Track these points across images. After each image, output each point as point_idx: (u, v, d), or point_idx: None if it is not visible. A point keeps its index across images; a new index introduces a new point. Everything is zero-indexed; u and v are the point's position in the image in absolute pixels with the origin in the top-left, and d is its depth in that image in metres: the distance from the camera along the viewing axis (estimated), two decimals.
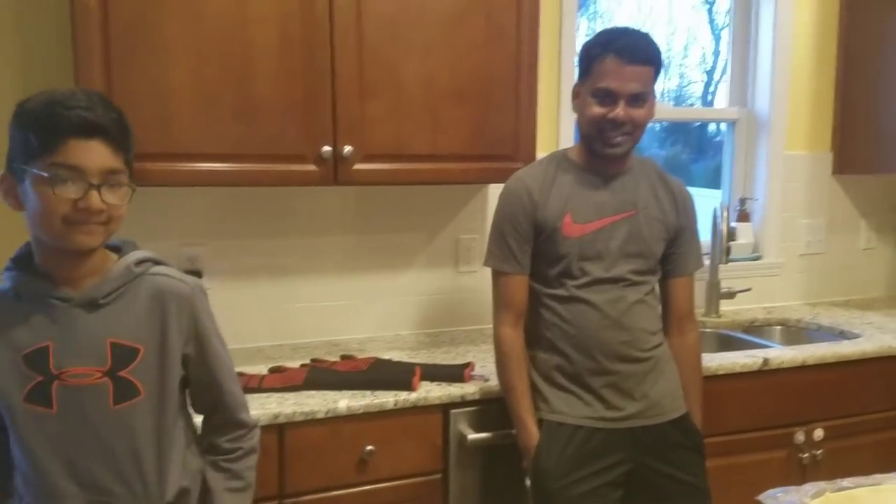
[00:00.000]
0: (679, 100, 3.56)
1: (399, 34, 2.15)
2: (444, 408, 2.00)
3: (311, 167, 2.11)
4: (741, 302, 2.99)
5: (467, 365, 2.10)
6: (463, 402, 2.01)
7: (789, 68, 3.02)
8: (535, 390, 1.90)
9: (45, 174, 1.21)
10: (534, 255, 1.91)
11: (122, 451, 1.31)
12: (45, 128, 1.22)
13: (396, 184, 2.29)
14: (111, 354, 1.29)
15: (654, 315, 1.94)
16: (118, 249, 1.38)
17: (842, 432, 2.43)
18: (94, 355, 1.29)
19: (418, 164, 2.22)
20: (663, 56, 1.87)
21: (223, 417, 1.46)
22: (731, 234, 3.08)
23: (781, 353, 2.38)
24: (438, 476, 2.02)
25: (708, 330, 2.86)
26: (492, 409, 2.01)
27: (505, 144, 2.30)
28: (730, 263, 3.00)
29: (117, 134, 1.27)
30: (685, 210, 1.97)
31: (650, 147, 4.00)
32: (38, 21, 2.16)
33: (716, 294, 2.92)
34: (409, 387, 1.97)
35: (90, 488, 1.30)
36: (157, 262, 1.40)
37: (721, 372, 2.27)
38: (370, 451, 1.92)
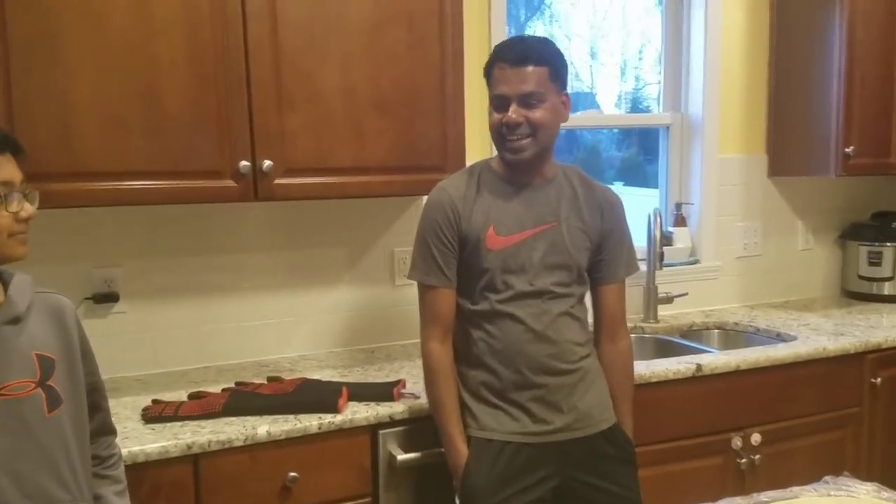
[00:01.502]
0: (636, 102, 3.55)
1: (316, 43, 2.09)
2: (373, 428, 1.94)
3: (230, 183, 2.04)
4: (679, 306, 2.98)
5: (397, 382, 2.04)
6: (392, 422, 1.95)
7: (721, 71, 3.03)
8: (464, 407, 1.85)
9: None
10: (458, 269, 1.86)
11: (59, 458, 1.35)
12: None
13: (319, 198, 2.22)
14: (39, 365, 1.34)
15: (581, 326, 1.90)
16: None
17: (779, 436, 2.42)
18: (25, 368, 1.32)
19: (342, 178, 2.16)
20: (562, 57, 1.85)
21: (101, 422, 1.52)
22: (668, 239, 3.07)
23: (715, 359, 2.36)
24: (367, 500, 1.95)
25: (646, 336, 2.84)
26: (422, 428, 1.95)
27: (432, 155, 2.25)
28: (668, 268, 2.99)
29: (18, 146, 1.36)
30: (610, 217, 1.93)
31: (608, 149, 4.01)
32: None
33: (653, 299, 2.90)
34: (334, 409, 1.90)
35: (36, 497, 1.31)
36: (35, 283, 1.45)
37: (654, 379, 2.25)
38: (293, 477, 1.85)
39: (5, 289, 1.35)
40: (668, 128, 3.12)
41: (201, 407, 1.92)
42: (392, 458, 1.93)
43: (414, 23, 2.20)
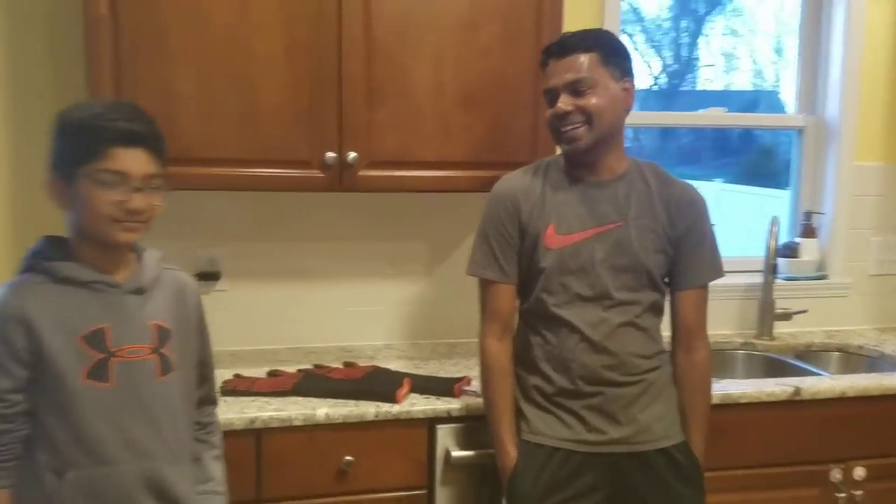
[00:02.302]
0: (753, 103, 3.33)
1: (409, 39, 2.12)
2: (430, 422, 1.95)
3: (317, 173, 2.10)
4: (800, 324, 2.76)
5: (461, 379, 2.04)
6: (449, 418, 1.95)
7: (863, 71, 2.77)
8: (518, 410, 1.82)
9: (95, 178, 1.37)
10: (518, 266, 1.82)
11: (164, 420, 1.45)
12: (93, 137, 1.38)
13: (402, 190, 2.25)
14: (156, 334, 1.46)
15: (649, 338, 1.80)
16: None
17: (888, 472, 2.20)
18: (143, 335, 1.44)
19: (425, 172, 2.17)
20: (616, 43, 1.80)
21: (206, 392, 1.64)
22: (794, 250, 2.86)
23: (818, 383, 2.17)
24: (423, 492, 1.96)
25: (756, 353, 2.66)
26: (480, 427, 1.93)
27: (521, 150, 2.21)
28: (791, 282, 2.79)
29: (155, 142, 1.44)
30: (688, 216, 1.82)
31: (787, 151, 3.79)
32: (46, 29, 2.25)
33: (769, 315, 2.71)
34: (392, 399, 1.93)
35: (139, 454, 1.42)
36: (164, 259, 1.58)
37: (744, 400, 2.10)
38: (349, 461, 1.89)
39: (136, 261, 1.50)
40: (800, 131, 2.90)
41: (273, 385, 2.01)
42: (447, 453, 1.93)
43: (510, 18, 2.17)
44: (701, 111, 2.91)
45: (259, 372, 2.14)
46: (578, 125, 1.73)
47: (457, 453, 1.92)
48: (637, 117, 2.71)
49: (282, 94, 2.05)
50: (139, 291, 1.47)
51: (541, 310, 1.79)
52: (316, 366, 2.20)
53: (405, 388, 1.98)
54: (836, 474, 2.16)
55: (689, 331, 1.86)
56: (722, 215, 2.55)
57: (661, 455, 1.76)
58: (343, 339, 2.49)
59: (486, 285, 1.84)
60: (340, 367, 2.18)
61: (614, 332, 1.76)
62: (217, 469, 1.63)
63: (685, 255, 1.83)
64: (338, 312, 2.50)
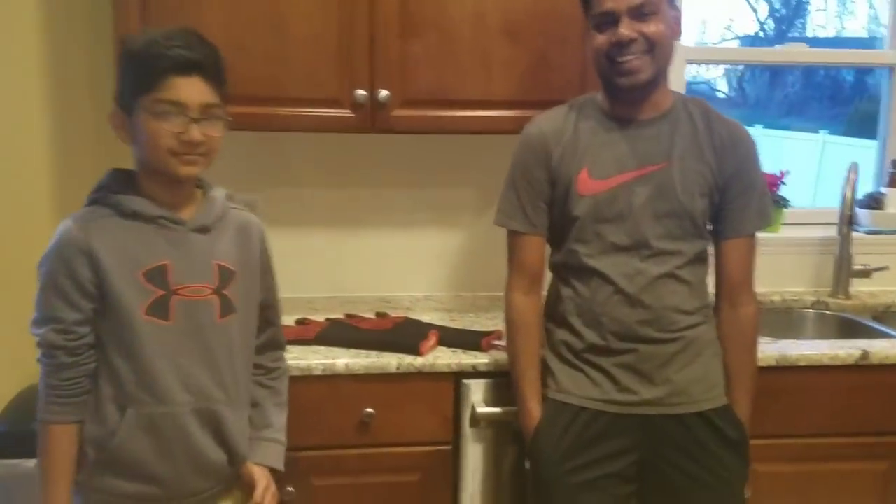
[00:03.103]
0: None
1: None
2: (456, 376, 1.85)
3: (347, 112, 2.00)
4: (881, 282, 2.52)
5: (490, 333, 1.93)
6: (475, 373, 1.85)
7: None
8: (545, 366, 1.70)
9: (152, 110, 1.33)
10: (550, 215, 1.69)
11: (222, 361, 1.43)
12: (148, 66, 1.33)
13: (439, 132, 2.12)
14: (218, 275, 1.43)
15: (691, 291, 1.64)
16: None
17: None
18: (205, 274, 1.42)
19: (464, 112, 2.03)
20: None
21: (272, 336, 1.60)
22: (878, 202, 2.60)
23: (889, 347, 1.96)
24: (448, 448, 1.88)
25: (828, 312, 2.44)
26: (508, 383, 1.82)
27: (569, 88, 2.02)
28: (873, 236, 2.55)
29: (213, 70, 1.38)
30: (737, 157, 1.64)
31: None
32: None
33: (845, 271, 2.48)
34: (416, 351, 1.84)
35: (196, 393, 1.41)
36: (231, 198, 1.55)
37: (803, 363, 1.91)
38: (369, 413, 1.82)
39: (202, 198, 1.47)
40: (892, 69, 2.61)
41: (297, 333, 1.95)
42: (473, 409, 1.84)
43: None
44: (779, 47, 2.66)
45: (288, 320, 2.08)
46: (639, 55, 1.56)
47: (482, 409, 1.83)
48: (698, 52, 2.48)
49: (310, 26, 1.94)
50: (204, 230, 1.43)
51: (573, 261, 1.66)
52: (347, 315, 2.13)
53: (431, 341, 1.89)
54: None
55: (734, 284, 1.70)
56: (824, 168, 2.35)
57: (699, 419, 1.62)
58: (382, 290, 2.39)
59: (512, 236, 1.71)
60: (372, 317, 2.11)
61: (652, 284, 1.61)
62: (277, 417, 1.59)
63: (732, 200, 1.66)
64: (378, 262, 2.40)
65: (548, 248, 1.73)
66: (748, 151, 1.67)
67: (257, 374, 1.57)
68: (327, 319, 2.07)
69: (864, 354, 1.92)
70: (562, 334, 1.67)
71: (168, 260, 1.38)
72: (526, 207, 1.67)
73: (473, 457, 1.87)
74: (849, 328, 2.35)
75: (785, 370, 1.90)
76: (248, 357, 1.51)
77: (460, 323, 2.10)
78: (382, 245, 2.40)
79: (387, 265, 2.41)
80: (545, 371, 1.69)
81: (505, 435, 1.86)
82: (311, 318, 2.09)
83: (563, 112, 1.69)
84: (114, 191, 1.40)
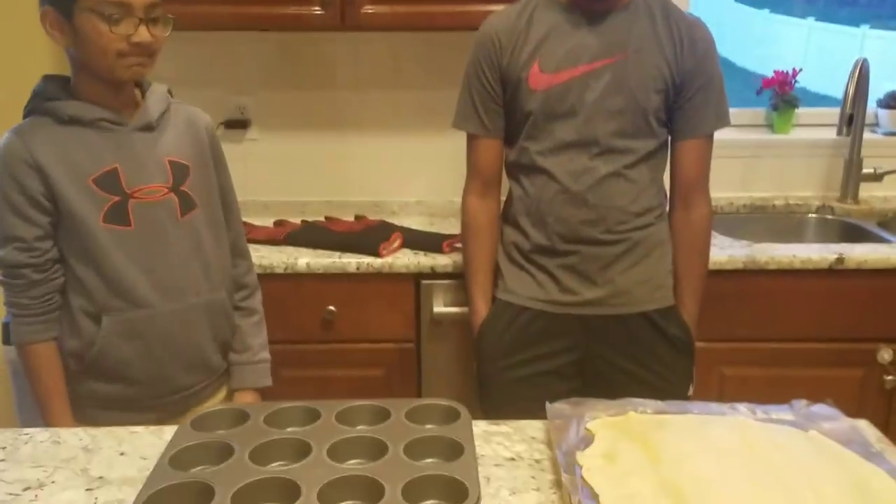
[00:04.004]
0: None
1: None
2: (416, 278, 1.88)
3: (316, 9, 1.99)
4: (892, 187, 2.39)
5: (454, 236, 1.94)
6: (434, 274, 1.87)
7: None
8: (497, 267, 1.71)
9: (97, 10, 1.27)
10: (505, 115, 1.66)
11: (192, 260, 1.42)
12: None
13: (412, 29, 2.09)
14: (171, 171, 1.39)
15: (639, 191, 1.60)
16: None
17: None
18: (158, 173, 1.38)
19: (436, 6, 1.99)
20: None
21: (231, 242, 1.54)
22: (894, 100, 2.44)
23: (867, 252, 1.88)
24: (411, 345, 1.93)
25: (832, 217, 2.34)
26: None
27: None
28: (888, 137, 2.41)
29: None
30: (695, 54, 1.56)
31: None
32: None
33: (854, 174, 2.36)
34: (375, 252, 1.87)
35: (171, 292, 1.40)
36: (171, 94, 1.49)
37: (772, 266, 1.86)
38: (331, 311, 1.88)
39: (143, 97, 1.42)
40: None
41: (268, 234, 2.00)
42: (432, 309, 1.87)
43: None
44: None
45: (267, 222, 2.14)
46: None
47: (439, 309, 1.86)
48: None
49: None
50: (148, 128, 1.38)
51: (524, 160, 1.63)
52: (326, 218, 2.16)
53: (393, 243, 1.91)
54: (884, 354, 1.90)
55: (688, 185, 1.65)
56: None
57: (642, 319, 1.61)
58: (374, 194, 2.40)
59: (469, 139, 1.70)
60: (350, 220, 2.14)
61: (598, 183, 1.58)
62: (255, 336, 1.57)
63: (689, 98, 1.59)
64: (372, 166, 2.42)
65: None
66: (707, 49, 1.59)
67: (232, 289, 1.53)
68: (303, 221, 2.11)
69: (840, 259, 1.85)
70: (512, 235, 1.67)
71: (117, 163, 1.34)
72: (479, 110, 1.65)
73: (434, 355, 1.91)
74: (851, 234, 2.25)
75: (756, 274, 1.86)
76: (221, 251, 1.49)
77: (439, 227, 2.10)
78: (377, 149, 2.41)
79: (381, 170, 2.43)
80: (497, 272, 1.70)
81: (464, 334, 1.89)
82: (288, 220, 2.13)
83: (518, 7, 1.63)
84: (48, 97, 1.35)
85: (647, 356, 1.61)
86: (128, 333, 1.37)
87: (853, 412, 1.17)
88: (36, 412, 1.39)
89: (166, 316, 1.39)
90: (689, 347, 1.64)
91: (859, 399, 1.93)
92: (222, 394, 1.54)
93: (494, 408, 1.62)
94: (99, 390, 1.40)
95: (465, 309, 1.82)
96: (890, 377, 1.90)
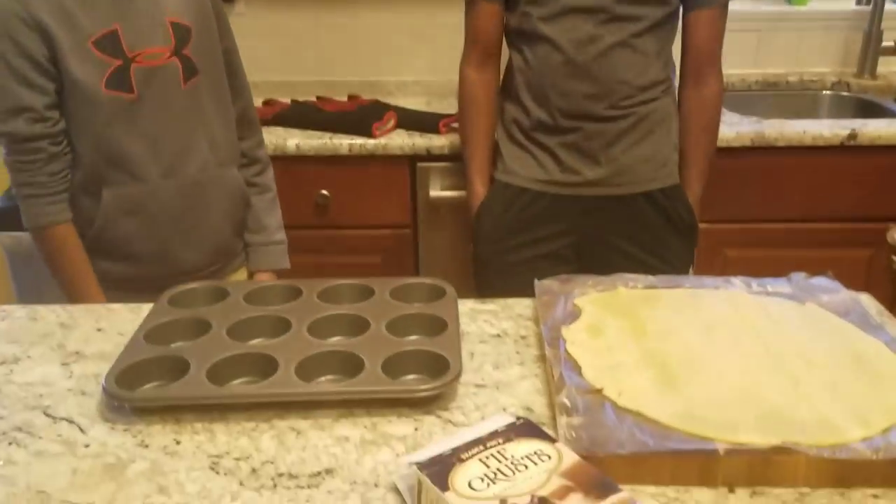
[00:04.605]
0: None
1: None
2: (411, 160, 1.82)
3: None
4: None
5: (451, 115, 1.87)
6: (430, 156, 1.81)
7: None
8: (496, 146, 1.64)
9: None
10: None
11: (195, 131, 1.35)
12: None
13: None
14: (173, 33, 1.30)
15: (649, 63, 1.50)
16: None
17: None
18: (159, 35, 1.29)
19: None
20: None
21: (241, 112, 1.47)
22: None
23: (881, 127, 1.80)
24: (408, 231, 1.89)
25: (847, 94, 2.25)
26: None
27: None
28: None
29: None
30: None
31: None
32: None
33: (873, 48, 2.24)
34: (368, 132, 1.81)
35: (171, 167, 1.33)
36: None
37: (781, 143, 1.78)
38: (324, 195, 1.83)
39: None
40: None
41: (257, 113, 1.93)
42: (428, 193, 1.82)
43: None
44: None
45: (256, 102, 2.06)
46: None
47: (436, 193, 1.81)
48: None
49: None
50: None
51: (526, 26, 1.53)
52: (318, 98, 2.09)
53: (387, 123, 1.84)
54: (894, 234, 1.85)
55: (699, 59, 1.56)
56: None
57: (645, 199, 1.55)
58: (372, 74, 2.31)
59: (467, 3, 1.59)
60: (343, 100, 2.06)
61: (604, 54, 1.48)
62: (270, 216, 1.53)
63: None
64: (367, 42, 2.32)
65: None
66: None
67: (241, 163, 1.47)
68: (293, 101, 2.04)
69: (853, 134, 1.77)
70: (513, 111, 1.59)
71: (116, 23, 1.24)
72: None
73: (431, 240, 1.88)
74: (865, 110, 2.16)
75: (764, 151, 1.79)
76: (226, 120, 1.41)
77: (437, 108, 2.03)
78: (371, 24, 2.30)
79: (377, 48, 2.32)
80: (496, 152, 1.64)
81: (462, 219, 1.85)
82: (278, 98, 2.06)
83: None
84: None
85: (648, 238, 1.57)
86: (129, 208, 1.32)
87: (862, 289, 1.13)
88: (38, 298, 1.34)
89: (168, 190, 1.33)
90: (691, 229, 1.59)
91: (866, 280, 1.89)
92: (241, 276, 1.50)
93: (491, 291, 1.59)
94: (105, 269, 1.35)
95: (462, 193, 1.77)
96: None
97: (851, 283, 1.85)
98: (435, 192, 1.81)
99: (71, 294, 1.33)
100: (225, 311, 1.02)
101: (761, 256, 1.87)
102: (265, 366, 0.90)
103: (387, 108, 1.95)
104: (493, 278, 1.62)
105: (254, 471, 0.78)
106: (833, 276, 1.08)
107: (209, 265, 1.42)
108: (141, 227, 1.34)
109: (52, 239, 1.31)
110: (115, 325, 1.06)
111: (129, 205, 1.32)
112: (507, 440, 0.75)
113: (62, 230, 1.30)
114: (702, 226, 1.65)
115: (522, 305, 1.13)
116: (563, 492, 0.68)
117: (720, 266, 1.89)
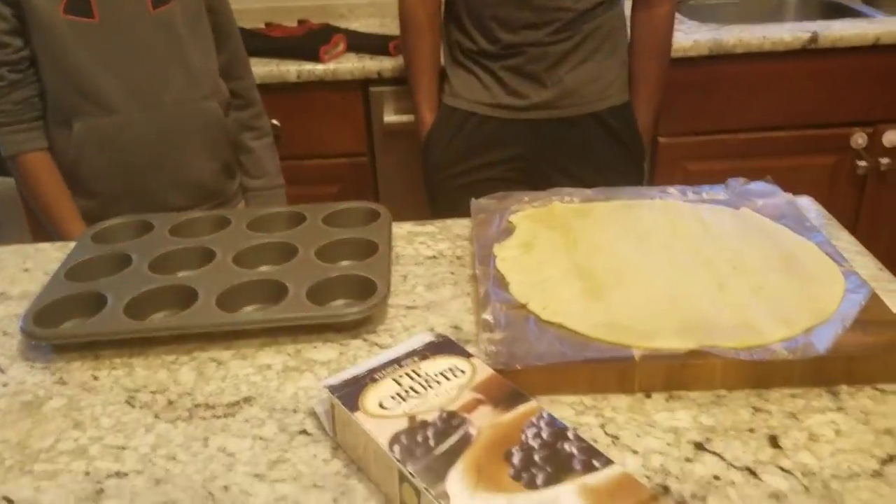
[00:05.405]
0: None
1: None
2: (363, 85, 1.77)
3: None
4: None
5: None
6: (381, 80, 1.76)
7: None
8: (443, 70, 1.59)
9: None
10: None
11: (169, 60, 1.28)
12: None
13: None
14: None
15: None
16: None
17: None
18: None
19: None
20: None
21: (231, 55, 1.41)
22: None
23: (843, 28, 1.75)
24: (364, 158, 1.85)
25: None
26: None
27: None
28: None
29: None
30: None
31: None
32: None
33: None
34: (315, 57, 1.75)
35: (142, 98, 1.27)
36: None
37: (740, 50, 1.74)
38: (276, 125, 1.78)
39: None
40: None
41: None
42: (381, 118, 1.78)
43: None
44: None
45: None
46: None
47: (390, 118, 1.77)
48: None
49: None
50: None
51: None
52: (266, 24, 2.02)
53: (336, 47, 1.79)
54: (858, 139, 1.82)
55: None
56: None
57: (592, 119, 1.52)
58: None
59: None
60: (293, 25, 2.00)
61: None
62: (271, 160, 1.49)
63: None
64: None
65: None
66: None
67: (236, 103, 1.42)
68: (239, 29, 1.96)
69: (814, 37, 1.72)
70: (455, 33, 1.54)
71: None
72: None
73: (388, 167, 1.84)
74: (832, 13, 2.09)
75: (722, 59, 1.75)
76: (205, 48, 1.34)
77: (392, 29, 1.95)
78: None
79: None
80: (443, 75, 1.59)
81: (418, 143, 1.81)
82: None
83: None
84: None
85: (596, 159, 1.54)
86: (100, 142, 1.27)
87: (824, 200, 1.11)
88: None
89: (141, 123, 1.27)
90: (638, 148, 1.56)
91: (830, 186, 1.87)
92: None
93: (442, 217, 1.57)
94: (84, 207, 1.31)
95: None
96: (863, 163, 1.83)
97: (816, 189, 1.83)
98: (389, 118, 1.77)
99: (49, 224, 1.31)
100: (149, 245, 0.99)
101: (723, 168, 1.79)
102: (188, 298, 0.88)
103: (336, 30, 1.89)
104: (443, 204, 1.59)
105: (170, 403, 0.77)
106: (771, 179, 1.05)
107: (194, 206, 1.34)
108: (113, 162, 1.30)
109: (23, 166, 1.28)
110: (42, 264, 1.03)
111: (100, 137, 1.27)
112: (423, 358, 0.73)
113: (34, 158, 1.28)
114: (661, 140, 1.63)
115: (460, 226, 1.11)
116: (472, 405, 0.67)
117: (680, 181, 1.85)
